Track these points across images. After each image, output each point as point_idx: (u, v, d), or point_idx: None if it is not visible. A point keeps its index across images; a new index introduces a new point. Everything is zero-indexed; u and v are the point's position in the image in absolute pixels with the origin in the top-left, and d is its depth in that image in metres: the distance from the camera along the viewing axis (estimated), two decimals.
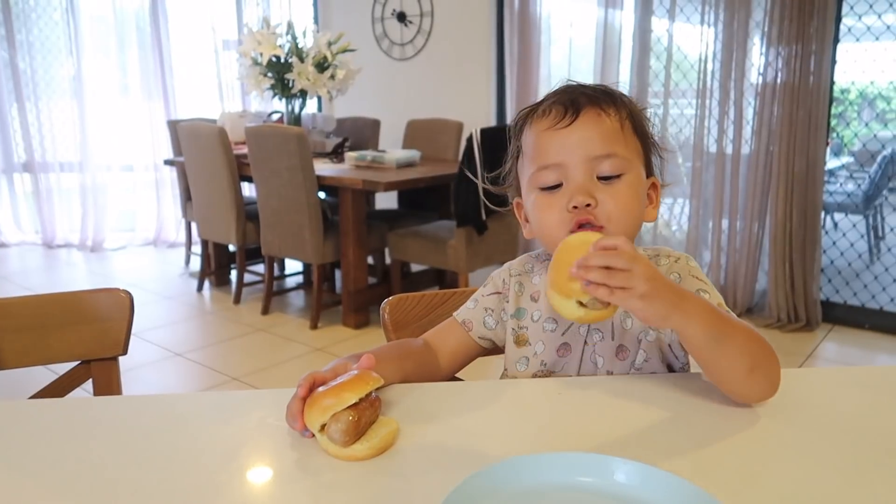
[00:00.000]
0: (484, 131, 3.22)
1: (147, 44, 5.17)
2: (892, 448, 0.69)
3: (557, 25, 4.25)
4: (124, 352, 1.01)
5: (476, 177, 3.26)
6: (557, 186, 0.86)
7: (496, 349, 0.99)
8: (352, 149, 4.18)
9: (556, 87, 0.91)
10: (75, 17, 5.01)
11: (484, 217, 3.30)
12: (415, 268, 4.13)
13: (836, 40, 3.33)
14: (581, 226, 0.84)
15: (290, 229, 3.56)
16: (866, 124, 5.88)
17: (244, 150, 3.83)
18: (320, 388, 0.69)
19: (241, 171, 3.76)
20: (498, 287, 0.99)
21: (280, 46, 3.86)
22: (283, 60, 3.86)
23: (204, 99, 5.43)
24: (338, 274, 4.06)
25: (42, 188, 5.21)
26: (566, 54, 4.26)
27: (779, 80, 3.41)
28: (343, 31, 4.12)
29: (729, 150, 3.65)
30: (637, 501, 0.57)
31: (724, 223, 3.75)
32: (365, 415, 0.67)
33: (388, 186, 3.31)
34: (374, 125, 4.62)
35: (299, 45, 3.88)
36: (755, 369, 0.75)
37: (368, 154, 3.76)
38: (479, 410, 0.79)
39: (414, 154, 3.83)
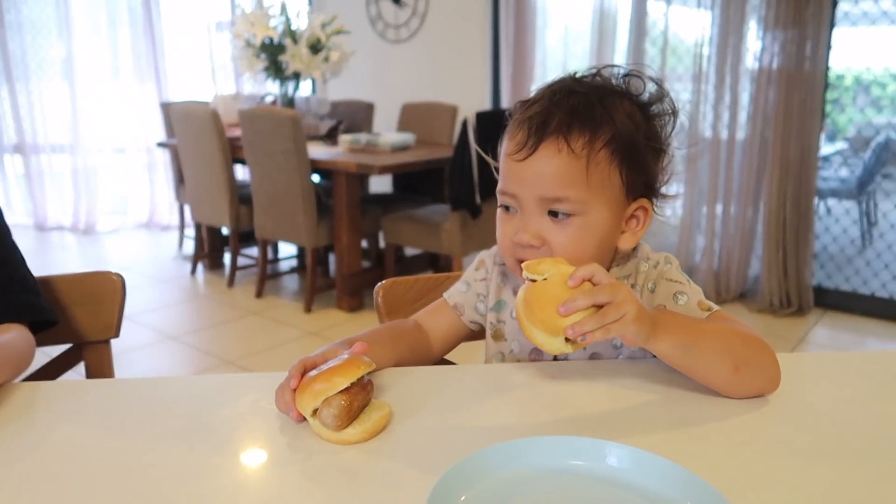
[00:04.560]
0: (480, 115, 3.20)
1: (139, 25, 5.12)
2: (877, 432, 0.70)
3: (553, 8, 4.22)
4: (116, 334, 1.01)
5: (471, 161, 3.26)
6: (511, 209, 0.84)
7: (484, 333, 0.99)
8: (346, 132, 4.15)
9: (552, 83, 0.84)
10: None
11: (478, 201, 3.30)
12: (409, 251, 4.12)
13: (832, 25, 3.32)
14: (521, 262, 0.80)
15: (284, 213, 3.55)
16: (861, 110, 5.88)
17: (237, 132, 3.80)
18: (311, 373, 0.69)
19: (234, 153, 3.74)
20: (487, 273, 0.97)
21: (274, 28, 3.83)
22: (276, 42, 3.83)
23: (196, 81, 5.38)
24: (331, 257, 4.06)
25: (33, 170, 5.16)
26: (562, 37, 4.23)
27: (774, 65, 3.40)
28: (337, 13, 4.09)
29: (724, 135, 3.64)
30: (629, 484, 0.57)
31: (718, 208, 3.75)
32: (357, 399, 0.67)
33: (383, 170, 3.29)
34: (368, 108, 4.59)
35: (293, 27, 3.85)
36: (741, 367, 0.74)
37: (363, 137, 3.74)
38: (471, 395, 0.79)
39: (408, 137, 3.81)
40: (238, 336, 3.33)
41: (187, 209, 4.45)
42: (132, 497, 0.59)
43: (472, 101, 4.40)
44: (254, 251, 4.30)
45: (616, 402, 0.76)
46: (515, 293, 0.92)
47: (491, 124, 3.27)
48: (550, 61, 4.27)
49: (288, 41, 3.79)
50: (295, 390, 0.69)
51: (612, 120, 0.79)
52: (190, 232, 4.71)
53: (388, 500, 0.58)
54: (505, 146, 0.83)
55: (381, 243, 3.94)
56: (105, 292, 1.00)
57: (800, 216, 3.45)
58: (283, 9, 3.87)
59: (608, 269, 0.88)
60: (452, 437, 0.69)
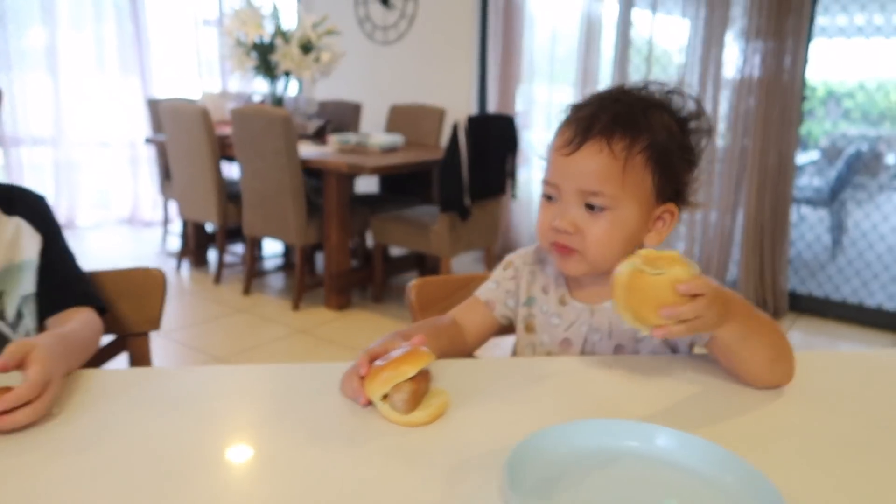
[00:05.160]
0: (471, 119, 3.27)
1: (124, 19, 5.08)
2: (874, 422, 0.79)
3: (540, 13, 4.30)
4: (157, 327, 1.05)
5: (461, 164, 3.32)
6: (553, 198, 0.94)
7: (513, 328, 1.07)
8: (333, 132, 4.19)
9: (603, 91, 0.95)
10: None
11: (467, 203, 3.36)
12: (394, 252, 4.17)
13: (810, 38, 3.45)
14: (557, 246, 0.92)
15: (273, 211, 3.57)
16: (832, 121, 6.07)
17: (225, 130, 3.82)
18: (378, 362, 0.75)
19: (222, 151, 3.75)
20: (515, 272, 1.06)
21: (264, 27, 3.85)
22: (267, 42, 3.85)
23: (181, 77, 5.36)
24: (318, 256, 4.09)
25: (13, 163, 5.09)
26: (549, 42, 4.31)
27: (754, 76, 3.52)
28: (326, 14, 4.12)
29: (704, 143, 3.75)
30: (677, 464, 0.64)
31: (698, 215, 3.87)
32: (421, 386, 0.74)
33: (374, 170, 3.34)
34: (356, 109, 4.62)
35: (283, 27, 3.87)
36: (776, 360, 0.83)
37: (352, 137, 3.78)
38: (519, 384, 0.86)
39: (397, 139, 3.86)
40: (227, 333, 3.35)
41: (171, 205, 4.43)
42: (214, 481, 0.64)
43: (458, 103, 4.47)
44: (238, 248, 4.31)
45: (657, 394, 0.84)
46: (544, 290, 1.00)
47: (482, 129, 3.34)
48: (537, 66, 4.35)
49: (279, 41, 3.81)
50: (363, 378, 0.75)
51: (651, 129, 0.89)
52: (173, 228, 4.69)
53: (459, 473, 0.65)
54: (554, 142, 0.93)
55: (368, 243, 3.98)
56: (147, 287, 1.03)
57: (776, 223, 3.57)
58: (276, 9, 3.89)
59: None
60: (506, 420, 0.76)
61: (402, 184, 4.23)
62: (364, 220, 3.78)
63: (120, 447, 0.69)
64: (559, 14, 4.24)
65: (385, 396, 0.74)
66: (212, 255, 4.32)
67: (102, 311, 0.97)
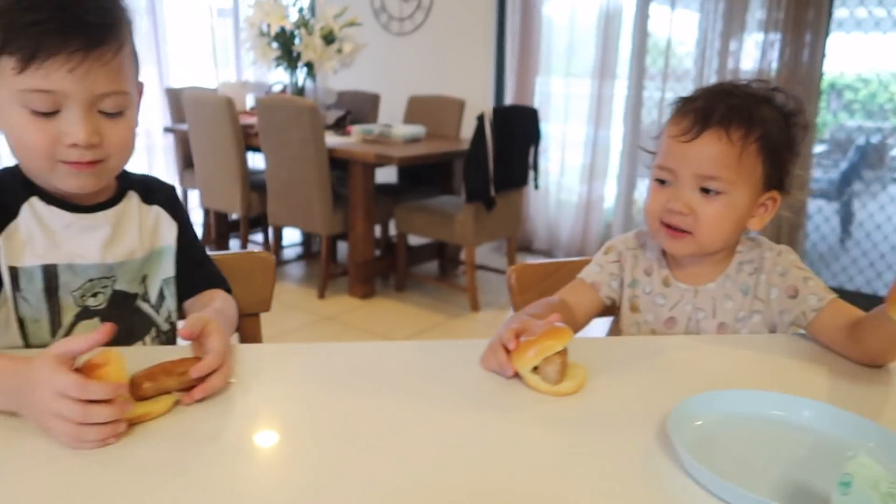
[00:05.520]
0: (496, 111, 3.31)
1: (141, 8, 5.08)
2: None
3: (558, 4, 4.33)
4: (268, 308, 1.10)
5: (487, 155, 3.36)
6: (666, 182, 1.01)
7: (614, 309, 1.14)
8: (351, 122, 4.22)
9: (711, 86, 1.02)
10: None
11: (492, 193, 3.40)
12: (414, 241, 4.21)
13: (828, 31, 3.50)
14: (668, 227, 0.99)
15: (298, 200, 3.61)
16: (834, 114, 6.15)
17: (247, 120, 3.85)
18: (523, 338, 0.80)
19: (245, 141, 3.78)
20: (618, 256, 1.13)
21: (286, 17, 3.87)
22: (290, 32, 3.87)
23: (198, 66, 5.37)
24: (340, 245, 4.13)
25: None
26: (566, 35, 4.35)
27: (773, 68, 3.57)
28: (346, 6, 4.14)
29: (802, 137, 3.80)
30: (819, 433, 0.70)
31: None
32: (565, 359, 0.79)
33: (402, 161, 3.37)
34: (374, 99, 4.66)
35: (306, 17, 3.89)
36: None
37: (375, 128, 3.82)
38: (641, 358, 0.93)
39: (419, 129, 3.90)
40: None
41: (191, 194, 4.46)
42: (391, 449, 0.69)
43: (475, 94, 4.50)
44: (258, 237, 4.34)
45: (758, 367, 0.91)
46: (646, 272, 1.07)
47: (507, 120, 3.38)
48: (555, 56, 4.39)
49: (302, 31, 3.84)
50: (510, 352, 0.82)
51: (763, 121, 0.97)
52: (192, 217, 4.71)
53: (609, 435, 0.72)
54: (668, 130, 1.00)
55: (390, 232, 4.02)
56: (259, 270, 1.09)
57: (793, 214, 3.65)
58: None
59: (734, 250, 1.06)
60: (639, 390, 0.83)
61: (421, 174, 4.26)
62: (387, 210, 3.82)
63: (300, 415, 0.75)
64: (577, 5, 4.28)
65: (535, 369, 0.80)
66: (233, 243, 4.36)
67: (228, 292, 1.02)
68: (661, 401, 0.76)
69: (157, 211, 0.97)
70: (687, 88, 3.94)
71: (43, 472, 0.63)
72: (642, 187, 4.24)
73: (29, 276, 0.85)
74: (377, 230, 4.10)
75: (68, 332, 0.88)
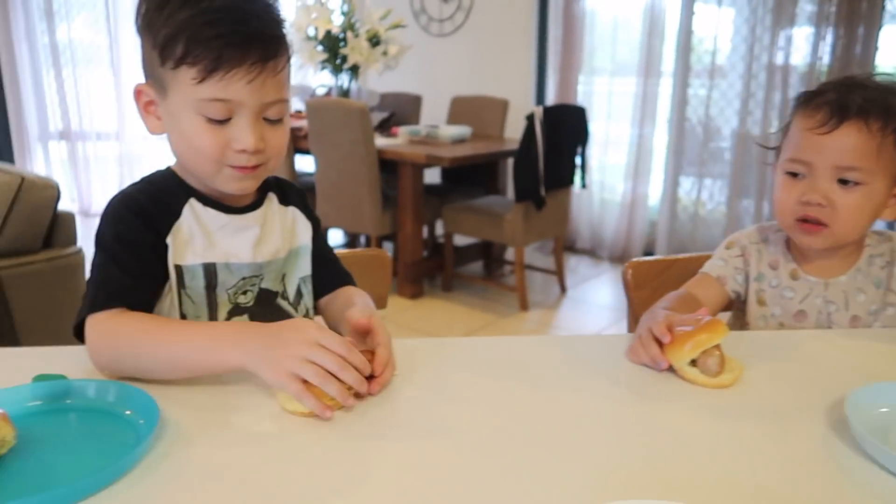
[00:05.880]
0: (546, 110, 3.32)
1: None
2: None
3: (601, 2, 4.32)
4: (385, 305, 1.12)
5: (538, 154, 3.37)
6: (799, 175, 1.01)
7: (737, 302, 1.15)
8: (395, 124, 4.26)
9: (839, 79, 1.03)
10: None
11: (543, 193, 3.41)
12: (459, 241, 4.23)
13: (881, 24, 3.45)
14: (803, 222, 1.00)
15: (348, 202, 3.64)
16: None
17: (293, 123, 3.89)
18: (677, 330, 0.82)
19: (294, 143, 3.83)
20: (742, 250, 1.14)
21: (332, 21, 3.91)
22: (337, 35, 3.91)
23: None
24: (385, 246, 4.16)
25: (79, 157, 5.22)
26: (611, 31, 4.34)
27: (825, 62, 3.53)
28: (389, 8, 4.17)
29: (772, 131, 3.78)
30: None
31: (754, 203, 3.91)
32: (723, 352, 0.80)
33: (452, 162, 3.39)
34: (416, 101, 4.68)
35: (353, 21, 3.93)
36: None
37: (422, 129, 3.85)
38: (781, 351, 0.95)
39: (465, 130, 3.92)
40: None
41: None
42: (567, 440, 0.70)
43: (516, 94, 4.51)
44: None
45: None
46: (772, 266, 1.08)
47: (556, 119, 3.39)
48: (598, 53, 4.38)
49: (349, 34, 3.88)
50: (663, 345, 0.84)
51: None
52: None
53: (784, 425, 0.74)
54: (801, 123, 1.01)
55: (437, 232, 4.04)
56: (375, 267, 1.11)
57: None
58: (344, 2, 3.95)
59: (862, 243, 1.07)
60: (798, 382, 0.84)
61: (465, 174, 4.28)
62: (434, 211, 3.84)
63: (468, 405, 0.78)
64: (620, 3, 4.26)
65: (692, 362, 0.81)
66: None
67: None
68: (822, 391, 0.79)
69: (293, 211, 1.00)
70: (734, 85, 3.91)
71: (257, 444, 0.68)
72: (686, 184, 4.22)
73: (192, 274, 0.88)
74: (426, 231, 4.13)
75: None
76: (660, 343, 0.84)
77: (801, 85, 3.65)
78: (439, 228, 4.06)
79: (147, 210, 0.87)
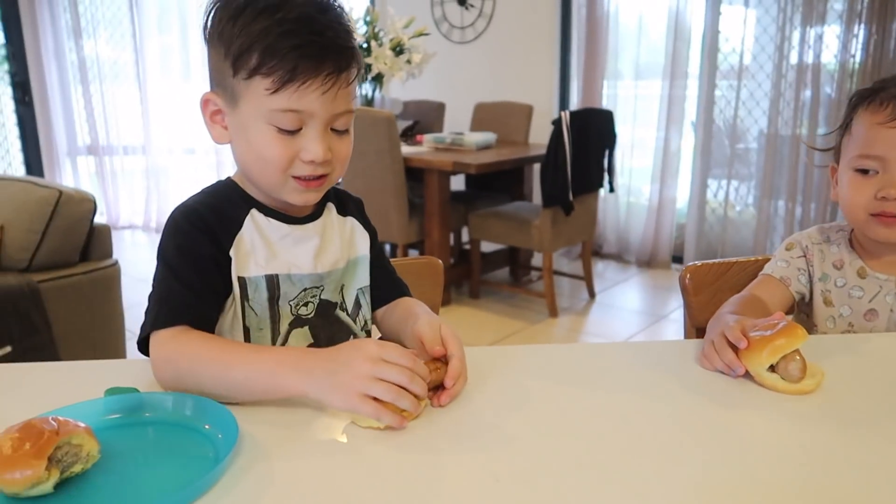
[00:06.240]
0: (573, 114, 3.30)
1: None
2: None
3: (626, 6, 4.30)
4: (437, 312, 1.11)
5: (566, 159, 3.35)
6: (870, 172, 0.99)
7: (802, 304, 1.13)
8: (419, 132, 4.26)
9: (890, 76, 1.02)
10: (139, 1, 5.05)
11: (571, 198, 3.39)
12: (485, 248, 4.22)
13: None
14: (883, 216, 0.98)
15: (374, 210, 3.61)
16: None
17: None
18: (753, 335, 0.80)
19: None
20: (803, 251, 1.12)
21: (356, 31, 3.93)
22: (360, 45, 3.92)
23: None
24: (410, 254, 4.15)
25: (106, 171, 5.29)
26: (635, 35, 4.32)
27: (857, 60, 3.48)
28: (412, 16, 4.18)
29: (803, 131, 3.74)
30: None
31: (787, 204, 3.86)
32: (804, 357, 0.79)
33: (479, 168, 3.38)
34: (439, 108, 4.69)
35: (377, 30, 3.95)
36: None
37: (447, 136, 3.85)
38: (865, 356, 0.92)
39: (490, 136, 3.92)
40: None
41: None
42: (651, 448, 0.69)
43: (540, 99, 4.50)
44: None
45: None
46: (836, 265, 1.06)
47: (583, 123, 3.37)
48: (622, 57, 4.36)
49: (373, 44, 3.89)
50: (738, 350, 0.82)
51: None
52: None
53: (879, 431, 0.72)
54: (870, 119, 0.99)
55: (463, 239, 4.03)
56: (429, 275, 1.11)
57: None
58: (368, 12, 3.97)
59: None
60: (881, 386, 0.83)
61: (490, 181, 4.27)
62: (460, 218, 3.84)
63: (542, 412, 0.77)
64: (644, 6, 4.24)
65: (770, 367, 0.79)
66: None
67: None
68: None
69: (352, 222, 1.00)
70: (762, 85, 3.87)
71: (331, 461, 0.66)
72: (714, 186, 4.18)
73: (255, 285, 0.88)
74: (452, 238, 4.12)
75: (285, 341, 0.91)
76: (735, 348, 0.82)
77: (832, 84, 3.60)
78: (464, 236, 4.05)
79: (209, 222, 0.86)
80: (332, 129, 0.85)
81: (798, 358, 0.78)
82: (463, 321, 3.50)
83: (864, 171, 1.00)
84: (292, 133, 0.82)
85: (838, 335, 1.07)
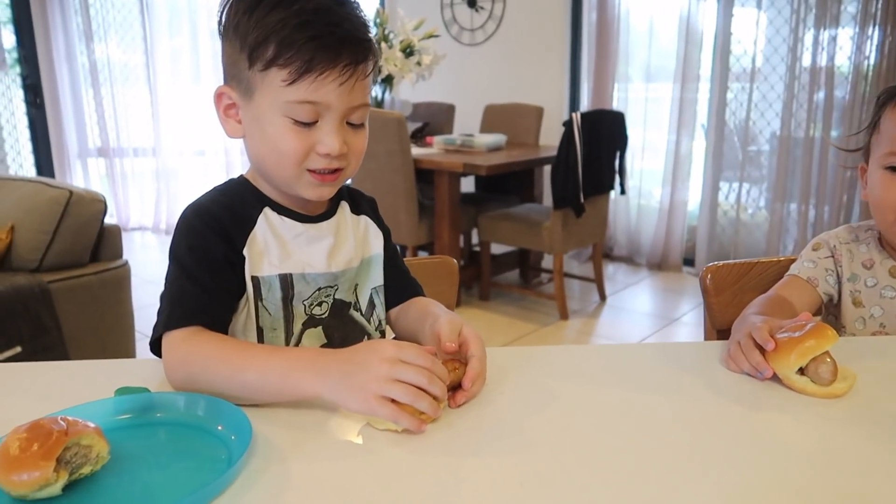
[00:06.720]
0: (584, 115, 3.28)
1: (214, 32, 5.21)
2: None
3: (636, 8, 4.28)
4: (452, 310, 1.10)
5: (577, 160, 3.33)
6: None
7: (829, 306, 1.11)
8: (428, 133, 4.24)
9: None
10: (149, 5, 5.07)
11: (582, 199, 3.37)
12: (494, 250, 4.20)
13: None
14: None
15: (384, 212, 3.50)
16: None
17: None
18: (781, 336, 0.78)
19: None
20: (831, 251, 1.09)
21: None
22: None
23: None
24: (421, 255, 4.14)
25: (117, 172, 5.30)
26: (645, 39, 4.29)
27: (871, 62, 3.45)
28: (422, 18, 4.17)
29: (816, 134, 3.70)
30: None
31: (799, 209, 3.82)
32: (835, 360, 0.76)
33: (490, 170, 3.36)
34: (449, 110, 4.67)
35: (387, 32, 3.94)
36: None
37: (457, 138, 3.83)
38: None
39: (501, 138, 3.90)
40: None
41: None
42: (677, 450, 0.67)
43: (550, 101, 4.48)
44: None
45: None
46: (865, 265, 1.04)
47: (594, 124, 3.35)
48: (633, 59, 4.33)
49: (383, 45, 3.88)
50: (765, 352, 0.79)
51: None
52: None
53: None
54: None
55: (473, 241, 4.01)
56: (443, 274, 1.09)
57: None
58: (378, 14, 3.96)
59: None
60: None
61: (499, 182, 4.25)
62: (470, 220, 3.82)
63: (563, 413, 0.75)
64: (655, 8, 4.21)
65: (800, 370, 0.77)
66: None
67: None
68: None
69: (365, 221, 0.98)
70: (775, 87, 3.83)
71: (353, 461, 0.65)
72: (725, 189, 4.15)
73: (269, 285, 0.86)
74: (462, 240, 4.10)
75: (298, 341, 0.89)
76: (762, 350, 0.80)
77: (846, 86, 3.56)
78: (475, 238, 4.03)
79: (221, 221, 0.84)
80: (348, 123, 0.83)
81: (829, 360, 0.76)
82: (473, 323, 3.40)
83: (894, 169, 0.98)
84: (308, 126, 0.81)
85: (869, 336, 1.04)
